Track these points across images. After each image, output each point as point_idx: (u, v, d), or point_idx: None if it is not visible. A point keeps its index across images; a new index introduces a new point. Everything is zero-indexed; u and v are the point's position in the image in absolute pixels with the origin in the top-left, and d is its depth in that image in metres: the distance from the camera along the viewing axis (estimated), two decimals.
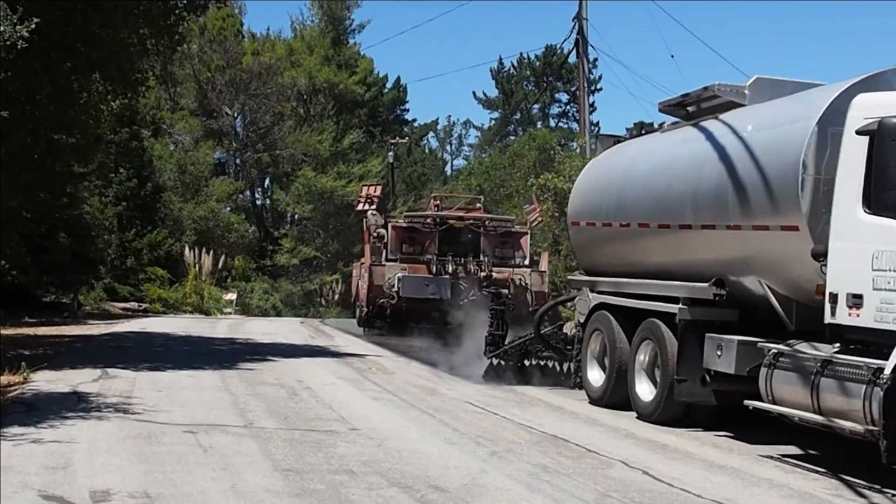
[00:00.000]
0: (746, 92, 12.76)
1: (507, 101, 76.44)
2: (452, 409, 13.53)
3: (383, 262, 26.84)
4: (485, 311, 23.04)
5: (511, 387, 16.15)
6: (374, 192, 31.22)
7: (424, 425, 12.09)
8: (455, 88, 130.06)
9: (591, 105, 67.76)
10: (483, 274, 26.38)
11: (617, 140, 17.09)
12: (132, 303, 37.70)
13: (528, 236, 28.19)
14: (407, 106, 74.46)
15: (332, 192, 54.09)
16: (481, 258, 26.83)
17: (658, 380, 13.06)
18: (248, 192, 60.74)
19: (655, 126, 17.78)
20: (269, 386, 14.96)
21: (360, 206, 30.93)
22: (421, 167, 70.09)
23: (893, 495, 9.00)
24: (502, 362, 16.82)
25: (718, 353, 11.83)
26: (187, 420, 11.35)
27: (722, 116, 12.93)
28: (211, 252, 44.47)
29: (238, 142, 57.58)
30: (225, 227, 50.55)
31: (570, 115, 75.07)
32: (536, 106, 76.22)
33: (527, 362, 16.80)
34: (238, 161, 58.25)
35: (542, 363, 16.78)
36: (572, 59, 44.67)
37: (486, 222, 27.82)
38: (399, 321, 26.88)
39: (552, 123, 73.88)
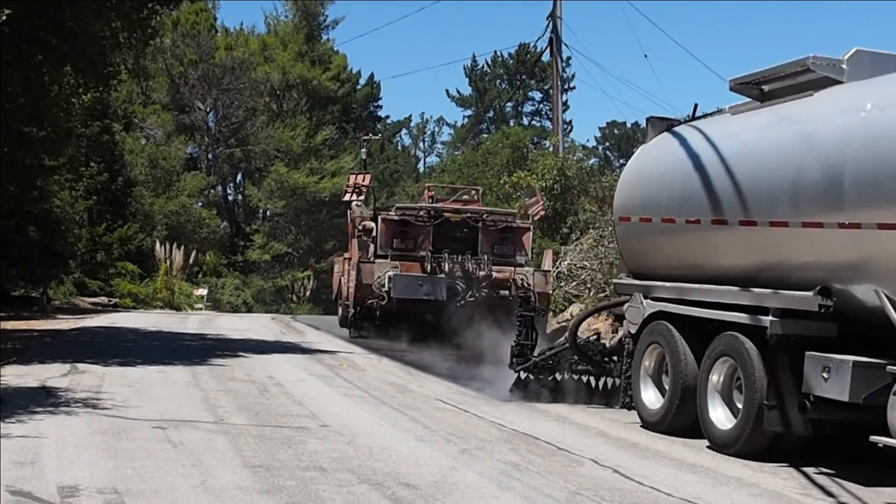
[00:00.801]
0: (844, 67, 10.98)
1: (480, 99, 76.64)
2: (423, 407, 13.52)
3: (372, 259, 24.52)
4: (484, 313, 22.05)
5: (540, 404, 14.07)
6: (363, 180, 28.70)
7: (395, 422, 12.07)
8: (428, 86, 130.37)
9: (565, 103, 68.21)
10: (482, 273, 24.26)
11: (671, 124, 14.28)
12: (102, 297, 37.46)
13: (531, 232, 25.89)
14: (380, 103, 74.48)
15: (305, 189, 54.06)
16: (480, 256, 24.60)
17: (739, 405, 11.00)
18: (219, 188, 60.61)
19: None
20: (240, 382, 14.91)
21: (347, 196, 28.77)
22: (394, 164, 70.07)
23: (864, 497, 9.03)
24: (531, 376, 14.61)
25: (825, 375, 9.88)
26: (157, 416, 11.30)
27: (820, 94, 11.10)
28: (182, 247, 44.27)
29: (210, 137, 57.43)
30: (196, 222, 50.39)
31: (543, 113, 75.46)
32: (510, 104, 76.51)
33: (559, 376, 14.57)
34: (210, 156, 58.12)
35: (576, 378, 14.56)
36: (546, 57, 44.98)
37: (485, 216, 25.38)
38: (389, 324, 24.56)
39: (525, 121, 74.24)
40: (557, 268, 27.91)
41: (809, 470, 10.08)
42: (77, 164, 37.05)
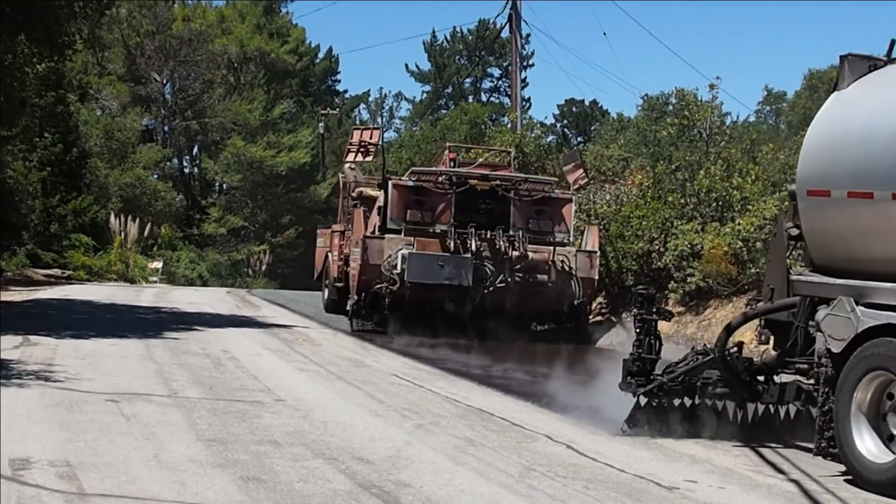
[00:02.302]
0: None
1: (439, 75, 76.43)
2: (379, 382, 13.53)
3: (382, 235, 20.31)
4: (517, 302, 20.11)
5: (660, 440, 10.31)
6: (370, 137, 23.29)
7: (350, 397, 12.08)
8: (387, 61, 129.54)
9: (524, 80, 67.96)
10: (515, 253, 20.11)
11: (874, 65, 10.27)
12: (56, 270, 37.09)
13: (573, 205, 21.62)
14: (338, 77, 74.11)
15: (262, 162, 53.75)
16: (512, 232, 20.34)
17: None
18: (175, 160, 60.14)
19: None
20: (194, 356, 14.85)
21: (350, 157, 23.74)
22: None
23: (814, 475, 9.11)
24: (654, 401, 10.57)
25: None
26: (110, 389, 11.23)
27: None
28: (137, 220, 43.89)
29: (166, 109, 56.93)
30: (152, 194, 50.00)
31: (501, 90, 75.28)
32: (469, 80, 76.33)
33: (688, 401, 10.66)
34: (166, 128, 57.64)
35: (710, 402, 10.69)
36: (505, 34, 44.78)
37: (519, 184, 21.13)
38: (400, 314, 20.36)
39: (484, 98, 74.11)
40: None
41: (764, 450, 10.15)
42: (31, 135, 36.66)
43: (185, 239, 51.86)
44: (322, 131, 55.08)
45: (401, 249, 19.59)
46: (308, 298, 30.10)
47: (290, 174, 55.43)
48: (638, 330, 10.95)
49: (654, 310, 11.06)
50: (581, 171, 22.60)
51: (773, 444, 10.26)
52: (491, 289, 19.90)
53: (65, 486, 7.00)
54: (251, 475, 7.65)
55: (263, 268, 52.34)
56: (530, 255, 20.17)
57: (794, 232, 10.74)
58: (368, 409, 11.19)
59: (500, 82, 76.13)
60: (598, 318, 23.06)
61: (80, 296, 26.33)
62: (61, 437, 8.57)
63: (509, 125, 40.32)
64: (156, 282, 41.21)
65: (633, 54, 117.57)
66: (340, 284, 23.48)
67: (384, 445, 9.13)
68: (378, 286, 19.88)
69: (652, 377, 10.65)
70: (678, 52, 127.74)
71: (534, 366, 16.59)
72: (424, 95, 79.26)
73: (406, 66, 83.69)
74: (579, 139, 67.12)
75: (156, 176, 53.62)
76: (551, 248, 20.45)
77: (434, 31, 78.82)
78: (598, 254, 20.97)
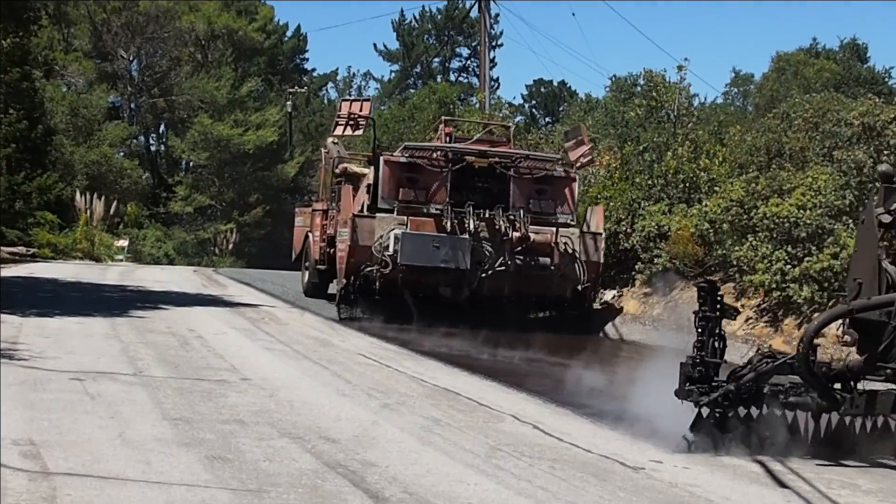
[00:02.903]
0: None
1: (407, 54, 76.28)
2: (345, 361, 13.52)
3: (373, 214, 19.08)
4: (516, 287, 18.93)
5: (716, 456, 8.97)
6: (361, 109, 21.94)
7: (317, 376, 12.06)
8: (356, 40, 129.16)
9: (492, 60, 68.10)
10: (516, 234, 18.81)
11: None
12: (20, 247, 36.82)
13: (577, 184, 20.46)
14: (307, 55, 73.87)
15: (229, 141, 53.49)
16: (513, 212, 19.20)
17: None
18: (142, 138, 59.80)
19: None
20: (160, 334, 14.79)
21: (339, 130, 22.30)
22: (319, 117, 69.59)
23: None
24: (717, 412, 9.04)
25: None
26: (75, 367, 11.16)
27: None
28: (103, 197, 43.65)
29: (133, 86, 56.54)
30: (118, 172, 49.70)
31: (470, 70, 75.19)
32: (437, 60, 76.19)
33: (755, 410, 9.12)
34: (133, 105, 57.24)
35: (780, 413, 9.12)
36: (474, 13, 44.79)
37: (520, 161, 19.86)
38: (391, 299, 19.07)
39: (452, 78, 73.98)
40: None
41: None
42: None
43: (151, 217, 51.60)
44: (290, 110, 54.89)
45: (393, 230, 18.46)
46: (275, 278, 30.03)
47: (258, 153, 55.17)
48: (700, 329, 9.23)
49: (719, 306, 9.30)
50: (584, 147, 21.29)
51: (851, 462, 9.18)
52: (490, 272, 18.74)
53: (28, 465, 6.95)
54: (217, 454, 7.63)
55: (230, 247, 52.15)
56: (532, 236, 18.85)
57: (887, 219, 9.39)
58: (335, 389, 11.18)
59: (468, 62, 76.04)
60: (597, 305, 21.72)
61: (45, 274, 26.18)
62: (25, 415, 8.51)
63: (478, 105, 40.34)
64: (122, 260, 41.01)
65: (602, 35, 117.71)
66: (323, 267, 22.33)
67: (350, 425, 9.12)
68: (368, 269, 18.56)
69: (717, 385, 9.01)
70: (647, 33, 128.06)
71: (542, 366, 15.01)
72: (393, 75, 79.09)
73: (374, 45, 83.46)
74: (547, 120, 67.06)
75: (122, 154, 53.29)
76: (554, 229, 19.18)
77: (403, 11, 78.44)
78: (604, 235, 19.89)
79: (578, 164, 21.17)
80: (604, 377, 13.28)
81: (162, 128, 60.89)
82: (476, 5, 40.53)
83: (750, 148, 20.95)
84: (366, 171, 21.39)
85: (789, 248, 16.69)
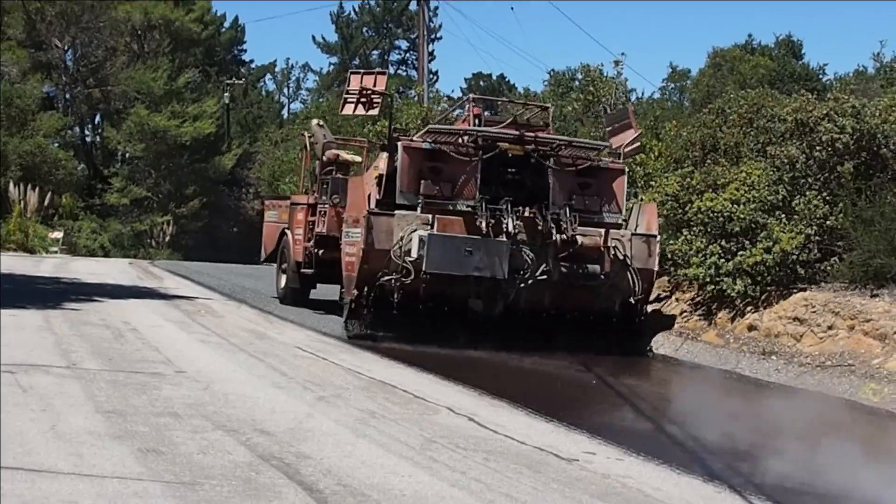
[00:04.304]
0: None
1: (346, 47, 76.19)
2: (281, 354, 13.49)
3: (391, 211, 15.75)
4: (558, 300, 15.97)
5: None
6: (375, 83, 17.78)
7: (252, 369, 12.02)
8: (294, 31, 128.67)
9: (431, 53, 68.03)
10: (561, 237, 15.61)
11: None
12: None
13: (625, 177, 17.25)
14: (244, 47, 73.36)
15: (166, 132, 52.99)
16: (556, 210, 16.01)
17: None
18: (77, 129, 59.07)
19: None
20: (94, 327, 14.66)
21: (349, 109, 18.18)
22: (257, 109, 69.28)
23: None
24: None
25: None
26: (7, 360, 11.00)
27: None
28: (37, 189, 43.16)
29: (68, 76, 55.83)
30: (52, 163, 49.07)
31: (409, 62, 75.31)
32: (376, 52, 76.20)
33: None
34: (68, 96, 56.52)
35: None
36: (413, 6, 44.73)
37: (560, 149, 16.63)
38: (412, 314, 15.69)
39: (391, 70, 73.89)
40: None
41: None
42: None
43: (86, 209, 51.04)
44: (227, 101, 54.49)
45: (416, 230, 15.22)
46: (212, 270, 29.87)
47: (195, 144, 54.74)
48: None
49: None
50: (632, 131, 17.97)
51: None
52: (530, 282, 15.61)
53: None
54: (150, 447, 7.59)
55: (167, 239, 51.73)
56: (580, 239, 15.62)
57: None
58: (270, 382, 11.16)
59: (407, 55, 76.16)
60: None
61: None
62: None
63: (416, 98, 40.32)
64: (56, 252, 40.54)
65: (541, 29, 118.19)
66: (309, 271, 19.45)
67: (285, 417, 9.11)
68: (386, 279, 15.35)
69: None
70: (584, 28, 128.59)
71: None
72: (331, 67, 78.94)
73: (313, 37, 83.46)
74: (487, 113, 67.24)
75: (57, 144, 52.60)
76: (603, 231, 15.98)
77: (341, 3, 78.48)
78: (658, 239, 16.73)
79: (628, 152, 17.95)
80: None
81: (97, 118, 60.21)
82: None
83: (685, 143, 21.15)
84: (357, 158, 20.09)
85: (723, 243, 16.86)
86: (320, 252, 18.83)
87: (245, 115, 65.70)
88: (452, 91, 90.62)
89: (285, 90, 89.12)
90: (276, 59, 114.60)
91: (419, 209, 15.72)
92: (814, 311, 14.89)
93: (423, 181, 15.89)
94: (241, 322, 17.23)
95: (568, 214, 15.83)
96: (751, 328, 15.92)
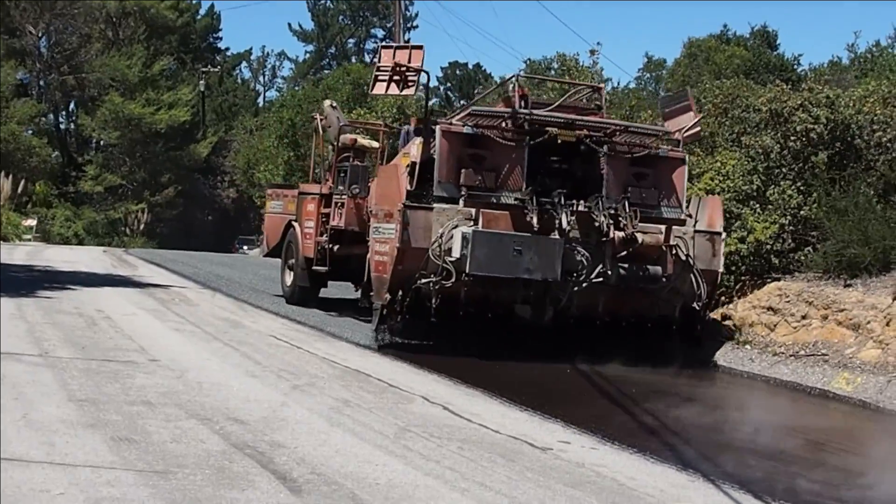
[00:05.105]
0: None
1: (322, 35, 76.06)
2: (256, 342, 13.43)
3: (429, 204, 13.74)
4: (615, 306, 14.14)
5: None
6: (410, 59, 14.91)
7: (226, 357, 11.98)
8: (270, 19, 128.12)
9: (407, 42, 67.96)
10: (620, 234, 13.73)
11: None
12: None
13: (686, 167, 15.10)
14: (220, 34, 73.19)
15: (140, 119, 52.82)
16: (613, 204, 14.05)
17: None
18: (51, 116, 58.80)
19: None
20: (67, 315, 14.57)
21: (380, 88, 15.41)
22: (232, 97, 69.09)
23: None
24: None
25: None
26: None
27: None
28: (10, 176, 42.96)
29: (42, 63, 55.54)
30: (26, 150, 48.85)
31: None
32: (352, 41, 76.07)
33: None
34: (42, 83, 56.23)
35: None
36: None
37: (615, 135, 14.65)
38: (450, 321, 13.93)
39: (367, 59, 73.76)
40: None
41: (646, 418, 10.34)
42: None
43: (60, 196, 50.83)
44: (203, 89, 54.29)
45: (458, 226, 13.29)
46: (187, 259, 29.77)
47: (170, 132, 54.59)
48: None
49: None
50: (691, 114, 15.69)
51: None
52: (584, 285, 13.72)
53: None
54: (123, 435, 7.56)
55: (141, 227, 51.61)
56: (640, 237, 13.74)
57: None
58: (244, 370, 11.12)
59: (383, 43, 75.96)
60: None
61: None
62: None
63: None
64: (30, 240, 40.34)
65: (517, 18, 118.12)
66: (323, 269, 17.55)
67: (259, 406, 9.09)
68: (424, 281, 13.42)
69: None
70: (560, 17, 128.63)
71: None
72: (307, 55, 78.83)
73: (289, 25, 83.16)
74: (462, 102, 67.21)
75: (30, 132, 52.34)
76: (664, 227, 14.12)
77: None
78: (724, 237, 14.78)
79: (687, 138, 15.62)
80: None
81: (72, 106, 59.92)
82: None
83: None
84: (374, 143, 18.52)
85: None
86: (335, 248, 17.21)
87: (220, 102, 65.52)
88: (428, 80, 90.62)
89: (261, 78, 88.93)
90: (252, 47, 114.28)
91: (461, 202, 13.70)
92: (788, 301, 14.93)
93: (463, 170, 13.89)
94: (215, 310, 17.16)
95: (627, 209, 13.95)
96: (724, 317, 15.96)
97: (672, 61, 51.32)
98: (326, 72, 65.89)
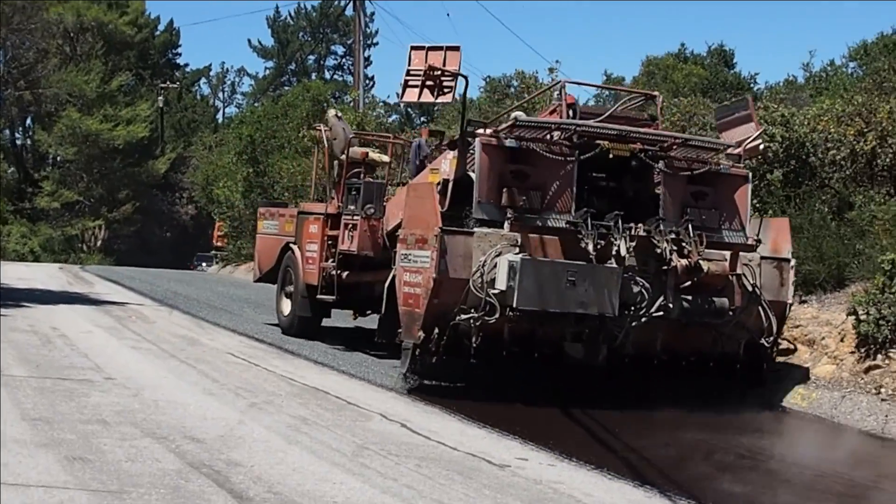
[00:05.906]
0: None
1: (282, 51, 76.04)
2: (213, 360, 13.37)
3: (470, 228, 11.83)
4: (673, 341, 12.30)
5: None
6: (445, 63, 12.67)
7: (183, 375, 11.91)
8: (230, 35, 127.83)
9: (367, 59, 68.20)
10: (685, 263, 11.92)
11: None
12: None
13: (749, 185, 13.24)
14: (179, 50, 73.11)
15: (98, 135, 52.56)
16: (674, 228, 12.23)
17: None
18: (7, 131, 58.38)
19: None
20: (22, 333, 14.44)
21: (411, 95, 12.95)
22: (191, 113, 68.86)
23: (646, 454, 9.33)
24: None
25: None
26: None
27: None
28: None
29: None
30: None
31: (345, 67, 75.18)
32: (312, 57, 76.05)
33: None
34: None
35: None
36: (349, 11, 44.67)
37: (672, 149, 12.78)
38: (492, 361, 12.23)
39: (328, 76, 73.89)
40: None
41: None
42: None
43: (16, 213, 50.46)
44: (161, 105, 54.04)
45: (502, 254, 11.41)
46: (143, 276, 29.61)
47: (128, 148, 54.36)
48: None
49: None
50: (752, 125, 13.61)
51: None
52: (643, 319, 11.91)
53: None
54: (77, 455, 7.49)
55: (98, 243, 51.34)
56: (704, 265, 11.94)
57: None
58: (201, 388, 11.06)
59: (343, 60, 76.00)
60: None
61: None
62: None
63: (352, 103, 40.24)
64: None
65: (476, 35, 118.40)
66: (331, 298, 15.76)
67: (216, 424, 9.03)
68: (464, 317, 11.45)
69: None
70: (520, 34, 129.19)
71: None
72: (267, 71, 78.71)
73: (249, 41, 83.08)
74: (422, 119, 67.31)
75: None
76: (728, 252, 12.38)
77: (278, 7, 78.32)
78: (793, 264, 13.01)
79: (748, 152, 13.72)
80: None
81: (28, 121, 59.51)
82: (351, 3, 40.55)
83: None
84: (385, 158, 17.15)
85: None
86: (344, 274, 15.55)
87: (179, 118, 65.28)
88: (388, 97, 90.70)
89: (220, 94, 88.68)
90: (212, 63, 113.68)
91: (505, 226, 11.82)
92: None
93: (505, 189, 12.09)
94: (172, 328, 17.07)
95: (691, 233, 12.15)
96: None
97: (630, 79, 51.61)
98: (286, 88, 65.76)
